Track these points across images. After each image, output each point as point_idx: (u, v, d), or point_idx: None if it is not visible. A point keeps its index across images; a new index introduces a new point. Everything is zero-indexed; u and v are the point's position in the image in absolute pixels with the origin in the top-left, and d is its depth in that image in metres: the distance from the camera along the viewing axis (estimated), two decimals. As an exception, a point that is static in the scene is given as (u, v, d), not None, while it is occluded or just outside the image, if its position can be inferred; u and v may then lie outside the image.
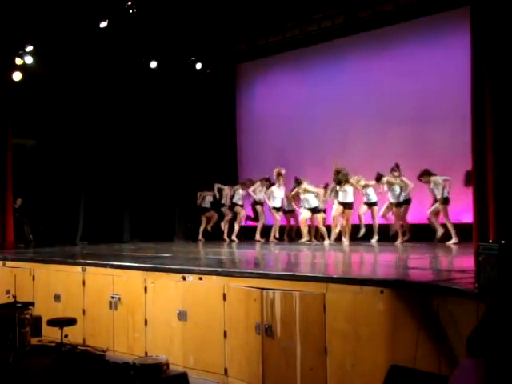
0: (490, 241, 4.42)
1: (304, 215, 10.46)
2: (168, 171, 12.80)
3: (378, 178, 9.91)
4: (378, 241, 10.13)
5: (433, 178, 9.51)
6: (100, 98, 12.03)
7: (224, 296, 6.00)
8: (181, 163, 12.96)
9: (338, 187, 9.92)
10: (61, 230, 11.62)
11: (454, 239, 9.21)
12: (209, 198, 12.07)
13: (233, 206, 11.64)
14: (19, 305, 6.64)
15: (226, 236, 11.74)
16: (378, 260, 8.09)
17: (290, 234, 11.55)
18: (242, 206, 11.60)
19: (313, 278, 5.46)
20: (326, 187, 10.51)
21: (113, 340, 7.15)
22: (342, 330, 5.03)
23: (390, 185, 9.74)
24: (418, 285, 4.87)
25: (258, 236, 11.24)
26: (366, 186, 10.12)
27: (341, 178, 9.80)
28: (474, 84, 6.16)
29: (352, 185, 9.84)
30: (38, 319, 6.99)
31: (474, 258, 4.44)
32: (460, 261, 7.27)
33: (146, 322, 6.81)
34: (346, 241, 9.94)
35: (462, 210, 9.41)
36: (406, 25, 10.90)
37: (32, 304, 7.06)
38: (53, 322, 6.61)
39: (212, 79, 13.39)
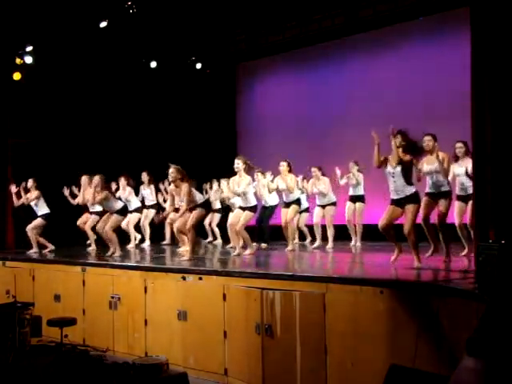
0: (490, 241, 4.42)
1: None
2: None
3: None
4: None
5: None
6: (100, 98, 12.01)
7: (224, 296, 6.00)
8: (180, 163, 12.93)
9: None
10: (60, 231, 11.60)
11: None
12: None
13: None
14: (19, 305, 6.65)
15: None
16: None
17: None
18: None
19: (313, 278, 5.46)
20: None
21: (113, 340, 7.15)
22: (342, 330, 5.03)
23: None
24: (418, 285, 4.87)
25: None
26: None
27: None
28: (474, 84, 6.16)
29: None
30: (38, 319, 7.00)
31: (474, 258, 4.45)
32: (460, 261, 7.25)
33: (145, 322, 6.81)
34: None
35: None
36: (407, 25, 10.91)
37: (32, 304, 7.08)
38: (53, 322, 6.62)
39: (212, 79, 13.39)
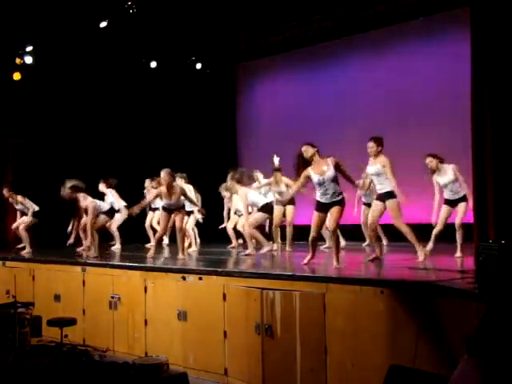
0: (490, 241, 4.42)
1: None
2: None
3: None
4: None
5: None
6: (100, 98, 12.02)
7: (224, 296, 6.00)
8: (180, 164, 12.94)
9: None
10: (60, 231, 11.60)
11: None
12: None
13: None
14: (19, 305, 6.64)
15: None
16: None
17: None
18: None
19: (313, 278, 5.47)
20: None
21: (113, 340, 7.15)
22: (342, 330, 5.03)
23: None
24: (418, 285, 4.87)
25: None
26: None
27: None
28: (474, 84, 6.17)
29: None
30: (38, 319, 7.00)
31: (474, 258, 4.45)
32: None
33: (145, 322, 6.81)
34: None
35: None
36: (407, 25, 10.90)
37: (32, 304, 7.06)
38: (53, 322, 6.62)
39: (212, 79, 13.39)
